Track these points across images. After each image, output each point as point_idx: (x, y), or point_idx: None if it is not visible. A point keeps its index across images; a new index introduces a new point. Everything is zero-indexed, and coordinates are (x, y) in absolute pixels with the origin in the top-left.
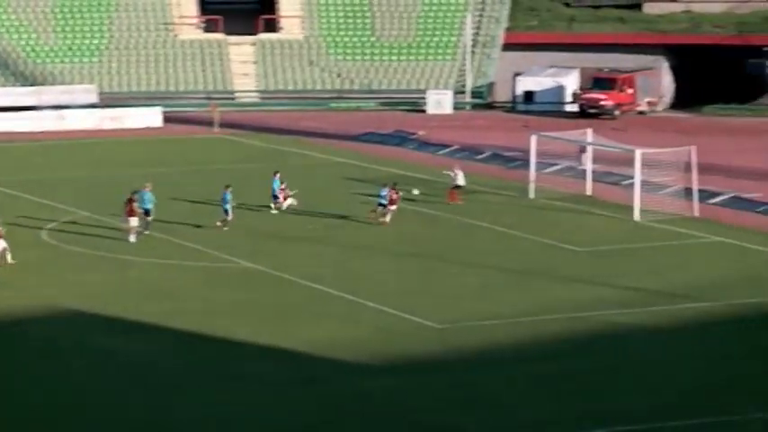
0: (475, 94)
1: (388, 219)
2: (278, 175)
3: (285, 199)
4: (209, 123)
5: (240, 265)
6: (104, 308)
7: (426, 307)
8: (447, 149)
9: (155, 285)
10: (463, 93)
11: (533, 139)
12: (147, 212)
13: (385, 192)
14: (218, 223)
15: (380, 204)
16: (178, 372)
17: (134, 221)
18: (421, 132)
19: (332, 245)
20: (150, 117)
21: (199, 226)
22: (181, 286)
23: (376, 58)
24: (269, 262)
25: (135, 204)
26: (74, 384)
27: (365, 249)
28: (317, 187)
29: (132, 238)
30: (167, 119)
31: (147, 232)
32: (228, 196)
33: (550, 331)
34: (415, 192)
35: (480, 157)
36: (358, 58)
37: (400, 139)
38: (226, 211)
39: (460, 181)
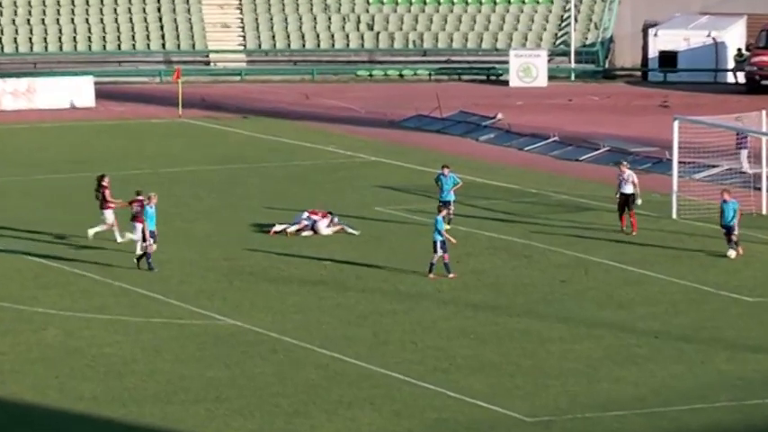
0: (584, 55)
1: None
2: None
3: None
4: (171, 102)
5: (220, 323)
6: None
7: (511, 389)
8: (541, 143)
9: (98, 352)
10: (566, 55)
11: (676, 127)
12: (152, 235)
13: None
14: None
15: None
16: None
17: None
18: (500, 116)
19: (362, 291)
20: (77, 91)
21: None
22: (127, 355)
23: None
24: (263, 318)
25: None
26: None
27: (418, 299)
28: (342, 203)
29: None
30: (101, 94)
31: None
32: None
33: (702, 427)
34: None
35: (593, 154)
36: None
37: (468, 126)
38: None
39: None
